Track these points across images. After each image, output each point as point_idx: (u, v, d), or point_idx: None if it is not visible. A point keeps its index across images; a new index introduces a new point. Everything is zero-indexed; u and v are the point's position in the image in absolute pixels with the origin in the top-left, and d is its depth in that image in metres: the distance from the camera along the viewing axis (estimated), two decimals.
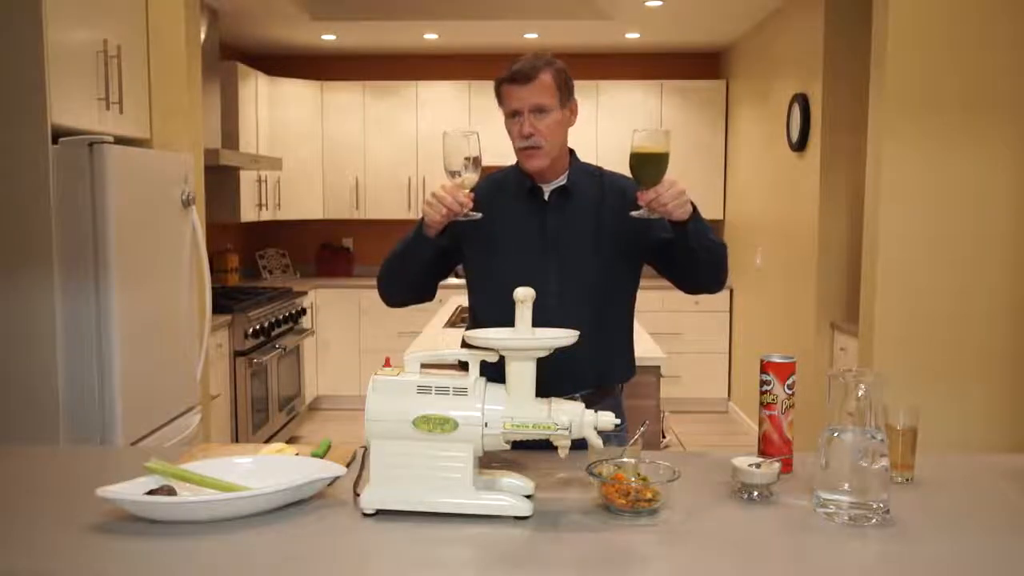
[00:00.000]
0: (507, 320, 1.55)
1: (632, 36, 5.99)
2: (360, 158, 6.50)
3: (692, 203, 1.80)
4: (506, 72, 1.92)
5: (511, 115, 1.93)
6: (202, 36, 4.63)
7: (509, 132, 1.96)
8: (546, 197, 2.00)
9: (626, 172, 2.10)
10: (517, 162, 2.03)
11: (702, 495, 1.63)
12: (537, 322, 1.54)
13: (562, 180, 2.00)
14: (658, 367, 3.32)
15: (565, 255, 1.96)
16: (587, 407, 1.53)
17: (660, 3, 5.01)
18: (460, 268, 2.09)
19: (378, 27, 5.71)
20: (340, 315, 6.25)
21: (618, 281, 2.02)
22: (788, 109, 4.85)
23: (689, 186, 1.83)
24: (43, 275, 2.65)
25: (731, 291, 6.21)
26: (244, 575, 1.32)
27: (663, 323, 6.00)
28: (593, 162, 2.10)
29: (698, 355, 6.21)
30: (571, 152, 2.04)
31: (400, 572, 1.34)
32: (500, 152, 1.99)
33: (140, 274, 2.90)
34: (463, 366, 1.59)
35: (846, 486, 1.49)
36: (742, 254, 5.97)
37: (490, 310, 1.89)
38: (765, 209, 5.46)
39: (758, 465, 1.61)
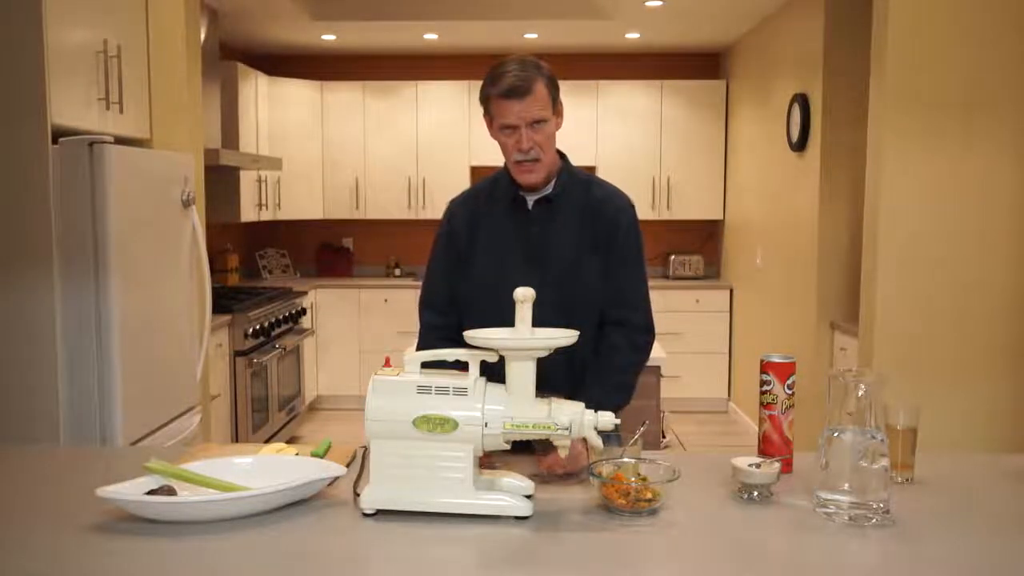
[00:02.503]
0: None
1: (632, 36, 5.99)
2: (360, 158, 6.50)
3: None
4: (494, 84, 1.84)
5: (504, 128, 1.87)
6: (202, 36, 4.63)
7: (503, 145, 1.90)
8: (529, 206, 1.97)
9: (621, 179, 2.08)
10: (503, 171, 2.00)
11: (702, 495, 1.63)
12: None
13: (548, 189, 1.96)
14: (658, 367, 3.32)
15: (546, 265, 1.92)
16: None
17: (660, 3, 5.01)
18: None
19: (378, 27, 5.71)
20: (340, 315, 6.25)
21: (598, 291, 1.95)
22: (788, 109, 4.85)
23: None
24: (43, 275, 2.64)
25: (731, 291, 6.21)
26: (244, 575, 1.32)
27: (663, 323, 5.96)
28: (593, 162, 2.08)
29: (698, 355, 6.21)
30: (563, 157, 1.99)
31: (400, 572, 1.34)
32: (496, 153, 1.96)
33: (140, 274, 2.90)
34: (463, 366, 1.59)
35: (846, 486, 1.49)
36: (742, 254, 5.97)
37: (471, 320, 1.82)
38: (765, 209, 5.46)
39: (758, 465, 1.61)
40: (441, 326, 2.02)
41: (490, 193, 2.02)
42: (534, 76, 1.83)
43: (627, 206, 2.02)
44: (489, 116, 1.91)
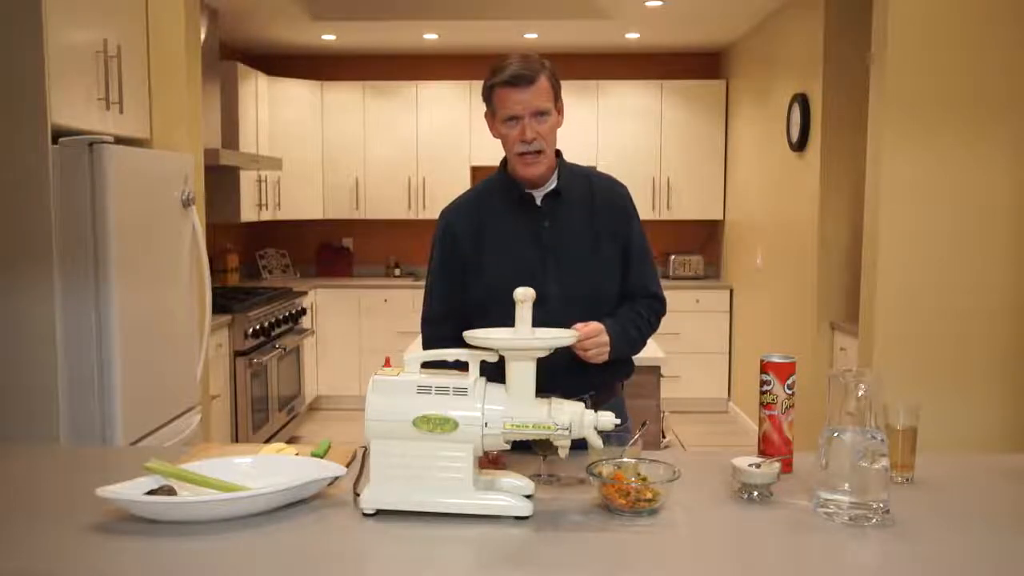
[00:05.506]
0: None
1: (632, 36, 5.99)
2: (360, 158, 6.50)
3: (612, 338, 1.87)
4: (498, 74, 1.87)
5: (507, 120, 1.88)
6: (202, 36, 4.63)
7: (504, 137, 1.91)
8: (538, 203, 1.97)
9: (621, 178, 2.10)
10: (502, 169, 2.00)
11: (702, 495, 1.63)
12: (537, 326, 1.54)
13: (552, 184, 1.97)
14: (658, 367, 3.32)
15: (562, 258, 1.93)
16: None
17: (660, 3, 5.01)
18: None
19: (378, 27, 5.71)
20: (340, 315, 6.25)
21: (614, 279, 1.99)
22: (788, 109, 4.85)
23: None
24: (43, 275, 2.64)
25: (731, 291, 6.21)
26: (244, 575, 1.32)
27: (663, 323, 5.99)
28: (593, 162, 2.09)
29: (698, 355, 6.21)
30: (558, 153, 2.00)
31: (400, 572, 1.34)
32: (496, 154, 1.96)
33: (140, 274, 2.90)
34: (463, 366, 1.59)
35: (846, 486, 1.49)
36: (742, 254, 5.97)
37: (488, 323, 1.75)
38: (765, 209, 5.46)
39: (758, 465, 1.61)
40: (442, 337, 1.94)
41: (490, 195, 2.01)
42: (538, 68, 1.87)
43: (627, 193, 2.08)
44: (492, 110, 1.92)
